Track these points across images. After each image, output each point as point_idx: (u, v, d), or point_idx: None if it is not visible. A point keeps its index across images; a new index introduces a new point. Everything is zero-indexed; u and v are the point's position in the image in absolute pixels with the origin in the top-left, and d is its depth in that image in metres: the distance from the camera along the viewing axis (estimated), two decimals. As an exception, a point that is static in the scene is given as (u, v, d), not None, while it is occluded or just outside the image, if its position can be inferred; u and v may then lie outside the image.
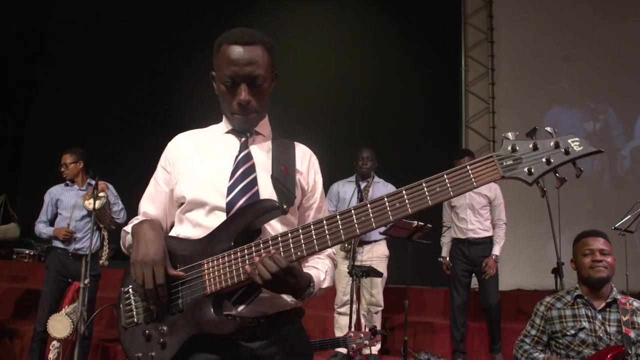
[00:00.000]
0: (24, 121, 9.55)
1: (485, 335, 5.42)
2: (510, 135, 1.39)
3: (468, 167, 1.38)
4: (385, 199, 1.43)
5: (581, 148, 1.33)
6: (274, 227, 1.69)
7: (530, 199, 5.82)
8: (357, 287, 4.91)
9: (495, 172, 1.37)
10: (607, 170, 7.11)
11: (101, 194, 4.84)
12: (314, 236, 1.49)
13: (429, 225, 4.73)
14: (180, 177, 1.76)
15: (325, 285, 1.72)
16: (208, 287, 1.57)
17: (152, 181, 1.86)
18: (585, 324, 2.85)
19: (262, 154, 1.79)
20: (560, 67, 7.38)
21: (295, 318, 1.76)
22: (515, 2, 7.87)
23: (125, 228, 1.80)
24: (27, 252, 7.31)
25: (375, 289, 5.25)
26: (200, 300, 1.57)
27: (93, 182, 5.02)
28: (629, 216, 5.34)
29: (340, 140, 7.40)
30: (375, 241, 5.24)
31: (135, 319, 1.65)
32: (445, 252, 5.55)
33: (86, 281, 4.70)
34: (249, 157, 1.76)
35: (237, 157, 1.75)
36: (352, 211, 1.45)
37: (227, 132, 1.83)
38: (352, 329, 4.37)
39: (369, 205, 1.44)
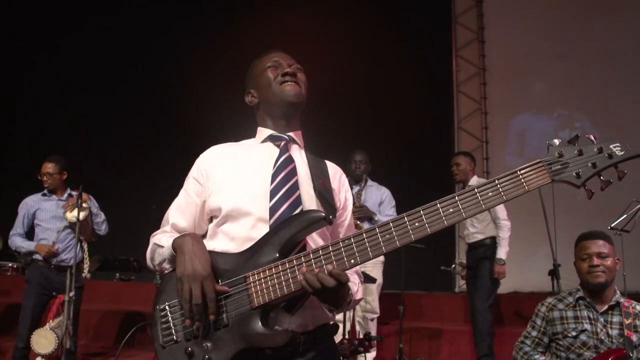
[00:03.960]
0: (5, 133, 9.37)
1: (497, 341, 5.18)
2: (555, 141, 1.48)
3: (518, 172, 1.46)
4: (438, 204, 1.49)
5: (623, 152, 1.44)
6: (315, 239, 1.70)
7: (525, 199, 5.71)
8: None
9: (544, 176, 1.46)
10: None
11: (84, 205, 4.69)
12: (367, 243, 1.50)
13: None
14: (215, 188, 1.73)
15: (357, 297, 1.75)
16: (255, 300, 1.54)
17: (182, 192, 1.83)
18: (587, 326, 2.81)
19: (300, 162, 1.80)
20: (554, 65, 7.30)
21: (332, 333, 1.77)
22: (505, 0, 7.81)
23: (155, 241, 1.75)
24: (10, 265, 7.10)
25: (370, 296, 5.13)
26: (247, 313, 1.55)
27: (73, 193, 4.87)
28: (625, 215, 5.23)
29: (331, 144, 7.28)
30: None
31: (175, 337, 1.60)
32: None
33: (71, 294, 4.57)
34: (290, 160, 1.76)
35: (277, 159, 1.75)
36: (405, 217, 1.50)
37: (264, 141, 1.83)
38: (347, 336, 4.28)
39: (422, 211, 1.49)
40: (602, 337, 2.76)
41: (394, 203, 5.27)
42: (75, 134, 8.57)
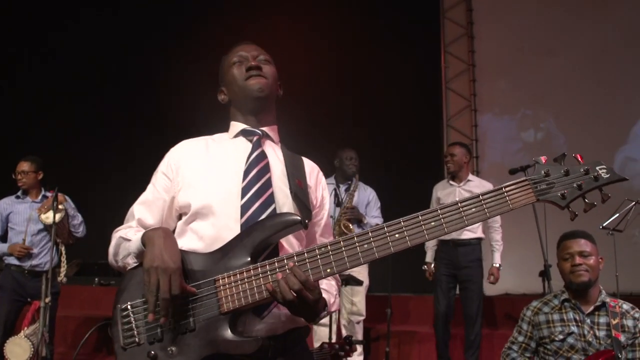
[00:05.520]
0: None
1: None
2: (542, 159, 1.48)
3: (503, 189, 1.46)
4: (420, 217, 1.46)
5: (608, 175, 1.44)
6: (289, 239, 1.65)
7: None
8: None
9: (530, 195, 1.45)
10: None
11: (59, 207, 4.56)
12: (344, 253, 1.47)
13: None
14: (184, 184, 1.68)
15: (333, 308, 1.71)
16: (224, 305, 1.49)
17: (149, 187, 1.77)
18: (574, 329, 2.79)
19: (274, 158, 1.76)
20: (545, 61, 7.18)
21: (303, 337, 1.72)
22: (495, -5, 7.71)
23: (121, 235, 1.68)
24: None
25: (356, 297, 5.02)
26: (215, 318, 1.50)
27: (48, 194, 4.76)
28: (617, 214, 5.13)
29: (317, 140, 7.16)
30: None
31: (137, 339, 1.53)
32: (429, 256, 5.26)
33: (47, 300, 4.45)
34: (263, 155, 1.72)
35: (250, 155, 1.71)
36: (385, 228, 1.47)
37: (237, 135, 1.80)
38: (329, 341, 4.19)
39: (402, 222, 1.47)
40: (590, 339, 2.73)
41: (379, 204, 5.20)
42: (51, 135, 8.39)
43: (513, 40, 7.34)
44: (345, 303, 5.05)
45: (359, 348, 4.96)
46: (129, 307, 1.57)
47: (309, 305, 1.46)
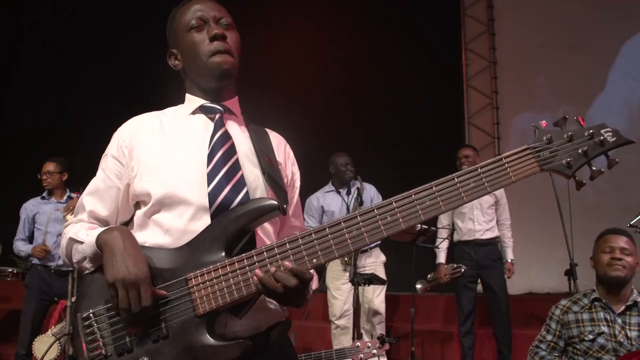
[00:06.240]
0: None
1: (494, 341, 5.16)
2: (542, 124, 1.33)
3: (504, 159, 1.31)
4: (413, 195, 1.32)
5: (615, 139, 1.30)
6: (264, 226, 1.50)
7: (538, 196, 5.58)
8: (356, 295, 4.68)
9: (533, 165, 1.30)
10: (621, 163, 6.75)
11: None
12: (331, 241, 1.34)
13: (432, 228, 4.54)
14: (141, 169, 1.49)
15: (314, 286, 1.57)
16: (200, 307, 1.35)
17: (99, 174, 1.57)
18: (604, 329, 2.74)
19: (240, 136, 1.58)
20: (567, 57, 7.06)
21: (285, 331, 1.57)
22: (516, -9, 7.62)
23: (72, 235, 1.49)
24: (10, 270, 6.96)
25: (376, 293, 4.99)
26: (190, 322, 1.35)
27: (74, 196, 4.82)
28: (646, 212, 5.05)
29: (337, 140, 7.12)
30: (370, 248, 4.97)
31: (104, 351, 1.38)
32: (442, 258, 5.23)
33: (74, 299, 4.50)
34: (227, 136, 1.54)
35: (212, 136, 1.52)
36: (375, 210, 1.33)
37: (194, 112, 1.60)
38: (357, 340, 4.18)
39: (394, 203, 1.32)
40: (621, 340, 2.68)
41: (380, 198, 5.20)
42: (73, 135, 8.43)
43: (535, 36, 7.24)
44: (364, 304, 5.02)
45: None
46: (91, 315, 1.41)
47: (300, 294, 1.33)
